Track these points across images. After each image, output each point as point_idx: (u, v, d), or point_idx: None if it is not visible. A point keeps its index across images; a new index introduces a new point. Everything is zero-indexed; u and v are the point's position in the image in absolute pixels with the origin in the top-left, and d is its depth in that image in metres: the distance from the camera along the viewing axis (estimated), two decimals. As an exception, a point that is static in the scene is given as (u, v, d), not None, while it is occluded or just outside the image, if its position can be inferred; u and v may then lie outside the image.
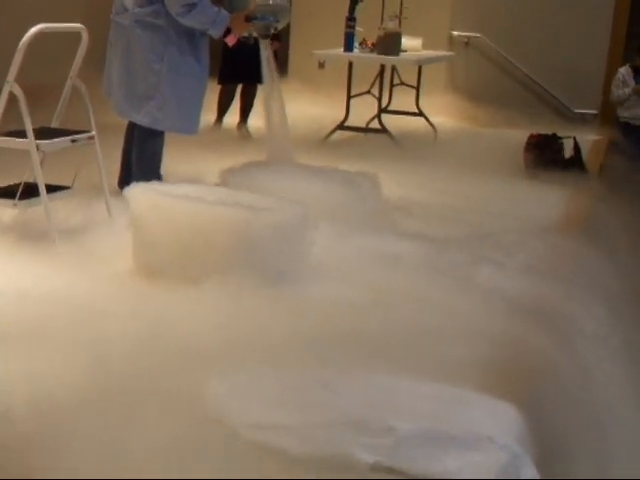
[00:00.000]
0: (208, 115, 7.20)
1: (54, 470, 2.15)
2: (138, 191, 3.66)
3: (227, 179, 4.42)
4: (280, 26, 5.09)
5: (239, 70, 7.01)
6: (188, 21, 4.59)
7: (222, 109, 7.38)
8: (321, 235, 3.72)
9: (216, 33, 4.70)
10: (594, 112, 8.85)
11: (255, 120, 7.32)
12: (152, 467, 2.19)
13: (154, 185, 3.78)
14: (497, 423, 2.39)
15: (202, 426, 2.40)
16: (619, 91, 7.57)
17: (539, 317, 3.36)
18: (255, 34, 4.91)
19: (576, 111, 8.89)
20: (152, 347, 2.87)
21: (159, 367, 2.72)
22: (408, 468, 2.19)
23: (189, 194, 3.68)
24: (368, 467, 2.18)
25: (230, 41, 4.80)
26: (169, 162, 5.04)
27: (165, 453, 2.25)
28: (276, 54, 7.07)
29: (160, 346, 2.88)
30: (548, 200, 5.36)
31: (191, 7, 4.54)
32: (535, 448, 2.39)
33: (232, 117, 7.43)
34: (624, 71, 7.62)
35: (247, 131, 7.23)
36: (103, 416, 2.42)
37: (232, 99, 7.41)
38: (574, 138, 6.22)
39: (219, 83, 7.20)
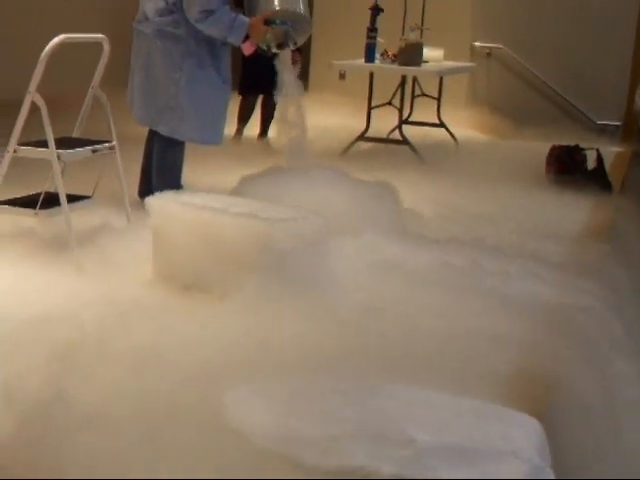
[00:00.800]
0: (229, 126, 7.23)
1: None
2: (158, 201, 3.66)
3: (245, 186, 4.42)
4: (300, 40, 5.05)
5: (258, 81, 7.02)
6: (206, 28, 4.59)
7: (242, 120, 7.40)
8: (341, 245, 3.71)
9: (235, 40, 4.69)
10: (617, 123, 8.81)
11: (275, 131, 7.35)
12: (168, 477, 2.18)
13: (174, 195, 3.78)
14: (519, 436, 2.36)
15: (220, 437, 2.39)
16: (644, 101, 7.52)
17: (558, 327, 3.33)
18: (273, 45, 4.83)
19: (599, 122, 8.85)
20: (170, 359, 2.86)
21: (177, 379, 2.72)
22: (428, 480, 2.17)
23: (209, 204, 3.68)
24: (388, 479, 2.16)
25: (247, 49, 4.78)
26: (189, 173, 5.05)
27: (182, 464, 2.24)
28: (295, 64, 7.08)
29: (179, 358, 2.87)
30: (570, 212, 5.33)
31: (209, 13, 4.54)
32: (556, 460, 2.36)
33: (253, 129, 7.44)
34: (649, 81, 7.58)
35: (268, 142, 7.24)
36: (121, 429, 2.41)
37: (252, 110, 7.43)
38: (597, 150, 6.17)
39: (239, 94, 7.22)
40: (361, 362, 2.87)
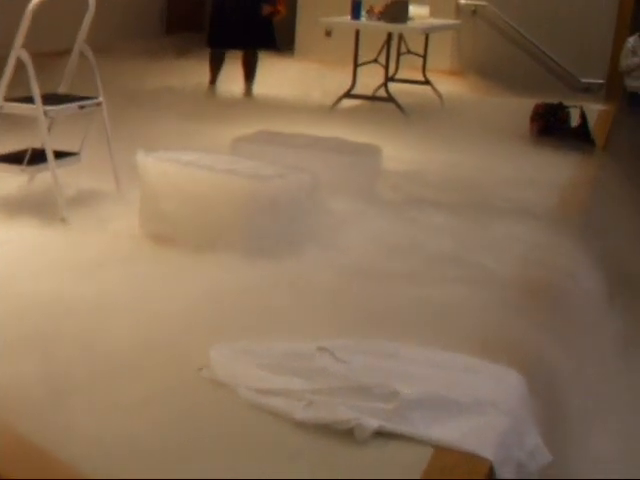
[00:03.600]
0: (203, 78, 7.27)
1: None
2: (147, 159, 3.67)
3: (237, 147, 4.43)
4: None
5: (226, 34, 7.00)
6: None
7: (212, 71, 7.40)
8: (327, 204, 3.73)
9: None
10: (601, 82, 8.82)
11: (261, 87, 7.35)
12: (159, 432, 2.22)
13: (163, 153, 3.78)
14: (501, 389, 2.41)
15: (206, 390, 2.43)
16: (628, 61, 7.51)
17: (541, 287, 3.38)
18: None
19: (583, 80, 8.86)
20: (154, 314, 2.89)
21: (162, 333, 2.75)
22: (411, 432, 2.22)
23: (198, 162, 3.69)
24: (372, 431, 2.21)
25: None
26: (179, 127, 5.03)
27: (168, 418, 2.28)
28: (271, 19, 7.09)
29: (163, 313, 2.90)
30: (552, 169, 5.35)
31: None
32: (538, 413, 2.42)
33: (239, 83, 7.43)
34: (633, 40, 7.56)
35: (251, 94, 7.23)
36: (107, 381, 2.45)
37: (221, 62, 7.39)
38: (580, 108, 6.19)
39: (207, 46, 7.22)
40: (345, 321, 2.91)
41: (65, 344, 2.65)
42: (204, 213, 3.49)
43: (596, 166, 5.67)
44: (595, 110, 7.27)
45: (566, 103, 6.29)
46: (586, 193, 5.04)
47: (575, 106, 6.23)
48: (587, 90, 8.71)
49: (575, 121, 6.14)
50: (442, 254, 3.63)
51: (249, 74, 7.31)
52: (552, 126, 6.11)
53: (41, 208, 3.93)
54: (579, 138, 6.02)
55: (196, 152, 3.94)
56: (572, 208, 4.64)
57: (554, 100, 6.37)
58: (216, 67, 7.36)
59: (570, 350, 3.01)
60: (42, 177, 4.07)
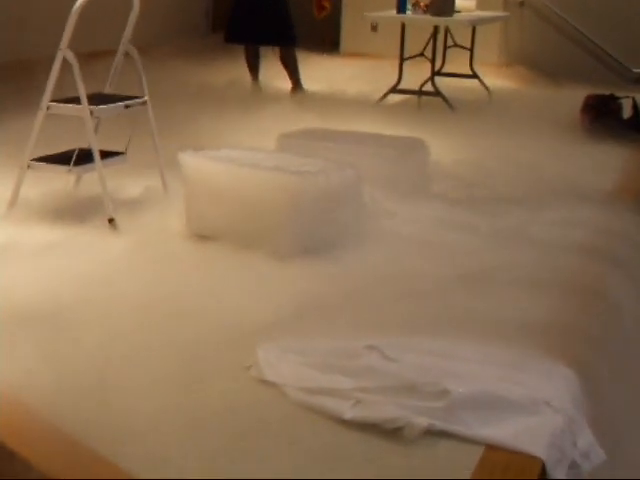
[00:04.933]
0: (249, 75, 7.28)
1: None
2: (190, 158, 3.67)
3: (283, 144, 4.42)
4: None
5: (242, 30, 7.02)
6: None
7: (250, 69, 7.44)
8: (373, 199, 3.70)
9: None
10: (654, 71, 8.65)
11: (307, 84, 7.33)
12: (206, 433, 2.20)
13: (207, 152, 3.78)
14: (553, 387, 2.36)
15: (255, 390, 2.41)
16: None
17: (589, 287, 3.31)
18: None
19: (635, 70, 8.69)
20: (203, 315, 2.89)
21: (210, 334, 2.74)
22: (462, 431, 2.18)
23: (242, 159, 3.68)
24: (421, 430, 2.17)
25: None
26: (225, 125, 5.03)
27: (218, 418, 2.26)
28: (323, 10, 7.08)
29: (211, 314, 2.90)
30: (605, 162, 5.26)
31: None
32: (591, 413, 2.36)
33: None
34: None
35: (298, 90, 7.22)
36: (154, 383, 2.45)
37: (256, 58, 7.42)
38: (633, 98, 6.08)
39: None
40: (395, 316, 2.88)
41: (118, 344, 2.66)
42: (248, 211, 3.48)
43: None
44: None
45: (618, 94, 6.18)
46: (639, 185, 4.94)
47: (627, 97, 6.12)
48: (639, 80, 8.55)
49: (627, 112, 6.03)
50: (492, 249, 3.58)
51: (290, 71, 7.30)
52: (603, 117, 6.00)
53: (89, 209, 3.95)
54: (632, 129, 5.90)
55: (240, 149, 3.93)
56: (628, 196, 4.55)
57: (605, 91, 6.26)
58: (253, 63, 7.39)
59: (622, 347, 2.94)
60: (89, 178, 4.08)
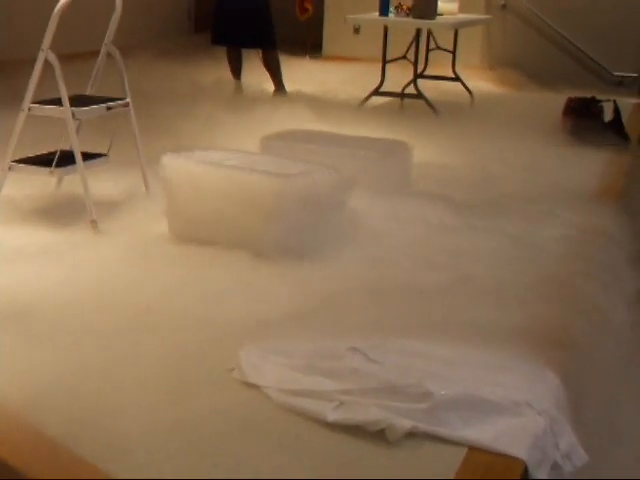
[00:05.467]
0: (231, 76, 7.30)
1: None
2: (172, 160, 3.66)
3: (266, 146, 4.42)
4: None
5: (226, 32, 7.03)
6: None
7: (232, 71, 7.48)
8: (355, 201, 3.70)
9: None
10: (634, 75, 8.70)
11: (289, 86, 7.33)
12: (189, 434, 2.20)
13: (189, 154, 3.77)
14: (535, 389, 2.37)
15: (238, 392, 2.41)
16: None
17: (571, 288, 3.33)
18: None
19: (616, 74, 8.74)
20: (185, 317, 2.88)
21: (192, 336, 2.74)
22: (445, 433, 2.18)
23: (225, 161, 3.68)
24: (404, 432, 2.17)
25: None
26: (208, 126, 5.03)
27: (199, 420, 2.26)
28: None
29: (193, 316, 2.89)
30: (586, 166, 5.28)
31: None
32: (573, 414, 2.37)
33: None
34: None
35: (281, 91, 7.23)
36: (144, 382, 2.44)
37: (238, 60, 7.44)
38: (614, 102, 6.11)
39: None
40: (379, 320, 2.88)
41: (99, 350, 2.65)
42: (231, 213, 3.47)
43: (630, 160, 5.58)
44: (629, 104, 7.17)
45: (599, 97, 6.21)
46: (621, 186, 4.96)
47: (608, 100, 6.15)
48: (620, 84, 8.60)
49: (608, 115, 6.06)
50: (473, 252, 3.59)
51: (273, 73, 7.31)
52: (585, 120, 6.03)
53: (70, 211, 3.94)
54: (613, 133, 5.93)
55: (223, 151, 3.93)
56: (607, 200, 4.57)
57: (587, 94, 6.29)
58: (235, 65, 7.43)
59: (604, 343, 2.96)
60: (71, 179, 4.07)
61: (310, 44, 9.62)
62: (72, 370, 2.49)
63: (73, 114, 3.86)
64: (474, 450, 2.15)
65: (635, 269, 3.75)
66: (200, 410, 2.31)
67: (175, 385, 2.43)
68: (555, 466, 2.20)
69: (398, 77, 7.23)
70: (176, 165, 3.64)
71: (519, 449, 2.13)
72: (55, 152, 3.95)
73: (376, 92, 7.16)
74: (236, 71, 7.46)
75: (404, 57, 7.56)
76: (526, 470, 2.10)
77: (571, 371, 2.58)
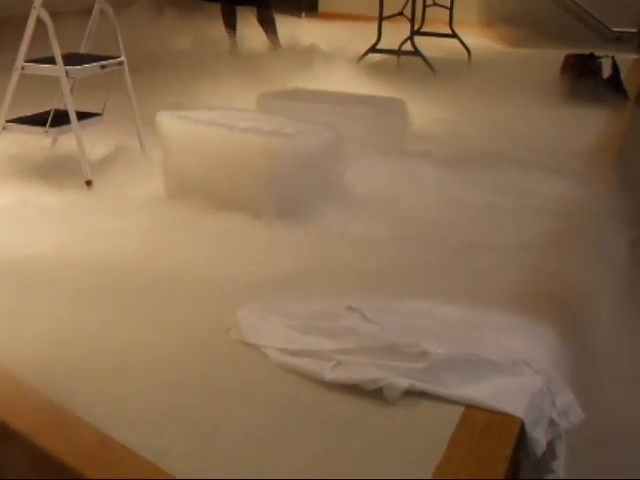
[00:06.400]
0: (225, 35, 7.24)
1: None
2: (167, 118, 3.63)
3: (262, 104, 4.39)
4: None
5: None
6: None
7: (227, 29, 7.41)
8: (352, 160, 3.68)
9: None
10: (633, 31, 8.63)
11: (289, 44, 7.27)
12: (185, 393, 2.20)
13: (184, 111, 3.74)
14: (533, 348, 2.37)
15: (235, 351, 2.41)
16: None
17: (569, 246, 3.32)
18: None
19: (614, 30, 8.67)
20: (182, 276, 2.88)
21: (189, 295, 2.73)
22: (442, 391, 2.19)
23: (220, 119, 3.64)
24: (402, 391, 2.18)
25: None
26: (204, 84, 4.98)
27: (198, 381, 2.26)
28: None
29: (190, 275, 2.89)
30: (584, 123, 5.26)
31: None
32: (571, 372, 2.38)
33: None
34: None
35: (275, 45, 7.18)
36: (140, 340, 2.44)
37: (233, 17, 7.37)
38: (612, 58, 6.06)
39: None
40: (377, 280, 2.87)
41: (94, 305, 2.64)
42: (227, 173, 3.45)
43: (628, 118, 5.55)
44: (627, 60, 7.12)
45: (597, 53, 6.16)
46: (618, 144, 4.93)
47: (607, 56, 6.10)
48: (619, 39, 8.53)
49: (607, 72, 6.01)
50: (471, 211, 3.57)
51: (268, 31, 7.26)
52: (583, 77, 5.99)
53: (65, 171, 3.92)
54: (611, 89, 5.89)
55: (218, 109, 3.89)
56: (604, 158, 4.56)
57: (585, 50, 6.24)
58: (230, 23, 7.37)
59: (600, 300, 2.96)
60: (66, 138, 4.04)
61: (306, 2, 9.53)
62: (68, 331, 2.49)
63: (67, 73, 3.83)
64: (471, 408, 2.15)
65: (630, 225, 3.75)
66: (196, 369, 2.30)
67: (171, 345, 2.42)
68: (552, 423, 2.21)
69: (395, 34, 7.16)
70: (170, 124, 3.61)
71: (516, 407, 2.13)
72: (49, 111, 3.92)
73: (373, 49, 7.10)
74: (231, 30, 7.39)
75: (401, 14, 7.48)
76: (523, 428, 2.10)
77: (569, 329, 2.58)
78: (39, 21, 3.81)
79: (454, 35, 7.73)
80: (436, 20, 7.84)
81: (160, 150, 3.66)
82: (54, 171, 3.93)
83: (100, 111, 4.14)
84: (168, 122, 3.61)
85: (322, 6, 9.54)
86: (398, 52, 7.15)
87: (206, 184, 3.51)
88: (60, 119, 3.89)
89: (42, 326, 2.50)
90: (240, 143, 3.44)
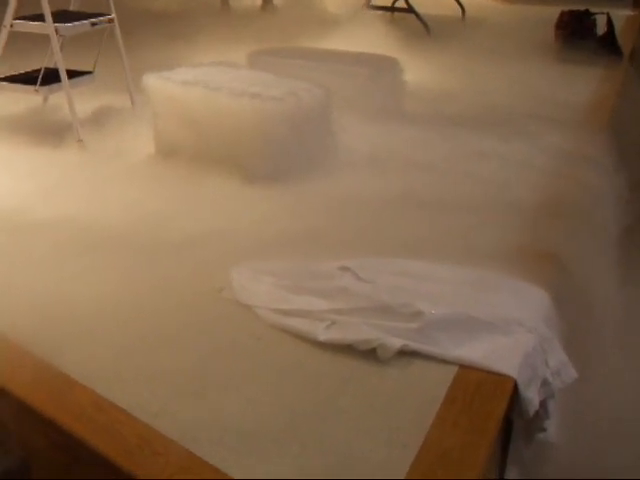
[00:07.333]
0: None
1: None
2: (154, 80, 3.58)
3: (254, 61, 4.35)
4: None
5: None
6: None
7: None
8: (345, 120, 3.66)
9: None
10: (629, -14, 8.55)
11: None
12: (178, 352, 2.20)
13: (172, 72, 3.68)
14: (526, 307, 2.37)
15: (228, 311, 2.40)
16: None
17: (561, 206, 3.32)
18: None
19: (610, -15, 8.59)
20: (174, 236, 2.87)
21: (181, 256, 2.73)
22: (435, 351, 2.19)
23: (209, 81, 3.59)
24: (395, 351, 2.18)
25: None
26: (194, 44, 4.94)
27: (191, 341, 2.26)
28: None
29: (181, 235, 2.88)
30: (578, 82, 5.22)
31: None
32: (564, 332, 2.38)
33: None
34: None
35: (273, 8, 7.11)
36: (131, 300, 2.43)
37: None
38: (607, 14, 6.01)
39: None
40: (369, 240, 2.87)
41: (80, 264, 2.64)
42: (214, 135, 3.42)
43: (622, 76, 5.51)
44: (622, 16, 7.06)
45: (592, 9, 6.10)
46: (612, 103, 4.91)
47: (602, 13, 6.05)
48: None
49: (602, 29, 5.96)
50: (463, 171, 3.56)
51: None
52: (578, 34, 5.94)
53: (57, 129, 3.89)
54: (606, 46, 5.85)
55: (207, 66, 3.84)
56: (598, 117, 4.53)
57: (580, 7, 6.18)
58: None
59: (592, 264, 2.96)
60: (57, 96, 4.00)
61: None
62: (57, 293, 2.48)
63: (57, 30, 3.78)
64: (465, 368, 2.16)
65: (622, 183, 3.75)
66: (188, 328, 2.31)
67: (164, 306, 2.42)
68: (545, 383, 2.22)
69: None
70: (157, 86, 3.56)
71: (509, 367, 2.14)
72: (39, 70, 3.88)
73: (367, 5, 7.03)
74: None
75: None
76: (516, 387, 2.11)
77: (562, 289, 2.58)
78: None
79: (448, -9, 7.65)
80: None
81: (149, 112, 3.62)
82: (46, 131, 3.90)
83: (91, 69, 4.10)
84: (154, 84, 3.57)
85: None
86: (392, 9, 7.07)
87: (196, 146, 3.48)
88: (51, 77, 3.85)
89: (35, 288, 2.50)
90: (230, 106, 3.40)
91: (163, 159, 3.57)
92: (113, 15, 4.08)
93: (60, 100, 3.92)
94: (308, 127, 3.45)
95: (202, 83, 3.53)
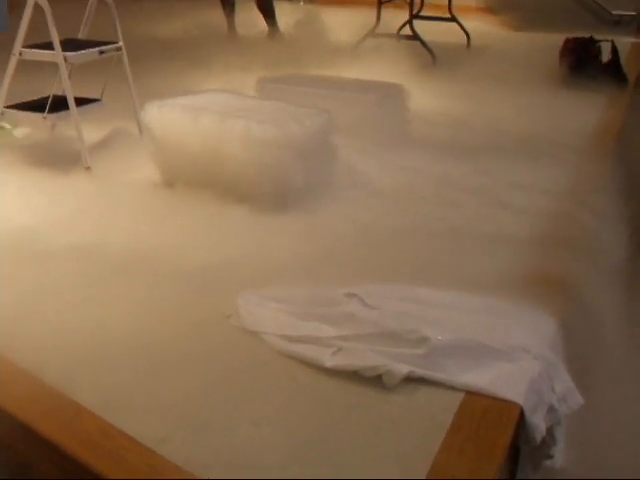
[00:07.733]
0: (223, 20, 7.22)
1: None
2: (154, 109, 3.59)
3: (261, 89, 4.37)
4: None
5: None
6: None
7: (226, 14, 7.40)
8: (352, 147, 3.67)
9: None
10: (633, 14, 8.59)
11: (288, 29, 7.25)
12: (185, 378, 2.20)
13: (175, 100, 3.69)
14: (532, 334, 2.37)
15: (235, 338, 2.41)
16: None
17: (568, 232, 3.32)
18: None
19: (614, 13, 8.63)
20: (181, 263, 2.88)
21: (189, 282, 2.74)
22: (442, 378, 2.19)
23: (213, 108, 3.60)
24: (401, 377, 2.18)
25: None
26: (201, 71, 4.98)
27: (196, 368, 2.26)
28: None
29: (188, 262, 2.89)
30: (584, 108, 5.24)
31: None
32: (569, 357, 2.38)
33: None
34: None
35: (275, 33, 7.16)
36: (139, 325, 2.44)
37: (231, 3, 7.36)
38: (612, 42, 6.03)
39: None
40: (376, 268, 2.87)
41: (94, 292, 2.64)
42: (221, 162, 3.42)
43: (628, 102, 5.53)
44: (627, 43, 7.09)
45: (597, 37, 6.13)
46: (618, 128, 4.92)
47: (606, 40, 6.08)
48: (618, 23, 8.49)
49: (606, 56, 5.99)
50: (469, 198, 3.57)
51: (267, 16, 7.23)
52: (583, 61, 5.97)
53: (65, 157, 3.91)
54: (611, 74, 5.87)
55: (212, 93, 3.86)
56: (604, 142, 4.55)
57: (584, 34, 6.21)
58: (228, 9, 7.33)
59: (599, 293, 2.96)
60: (65, 123, 4.03)
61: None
62: (65, 318, 2.49)
63: (65, 58, 3.82)
64: (471, 395, 2.15)
65: (629, 209, 3.75)
66: (196, 355, 2.31)
67: (171, 332, 2.43)
68: (551, 409, 2.21)
69: (394, 18, 7.13)
70: (159, 115, 3.57)
71: (515, 393, 2.14)
72: (48, 97, 3.91)
73: (371, 33, 7.07)
74: (230, 15, 7.38)
75: (400, -3, 7.44)
76: (522, 413, 2.11)
77: (568, 315, 2.58)
78: (37, 7, 3.80)
79: (453, 19, 7.69)
80: (435, 4, 7.79)
81: (150, 140, 3.63)
82: (54, 157, 3.92)
83: (99, 97, 4.13)
84: (157, 113, 3.57)
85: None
86: (397, 36, 7.11)
87: (199, 175, 3.48)
88: (59, 105, 3.88)
89: (46, 315, 2.51)
90: (233, 133, 3.41)
91: (169, 187, 3.59)
92: (121, 43, 4.12)
93: (68, 127, 3.94)
94: (313, 154, 3.46)
95: (204, 111, 3.54)
